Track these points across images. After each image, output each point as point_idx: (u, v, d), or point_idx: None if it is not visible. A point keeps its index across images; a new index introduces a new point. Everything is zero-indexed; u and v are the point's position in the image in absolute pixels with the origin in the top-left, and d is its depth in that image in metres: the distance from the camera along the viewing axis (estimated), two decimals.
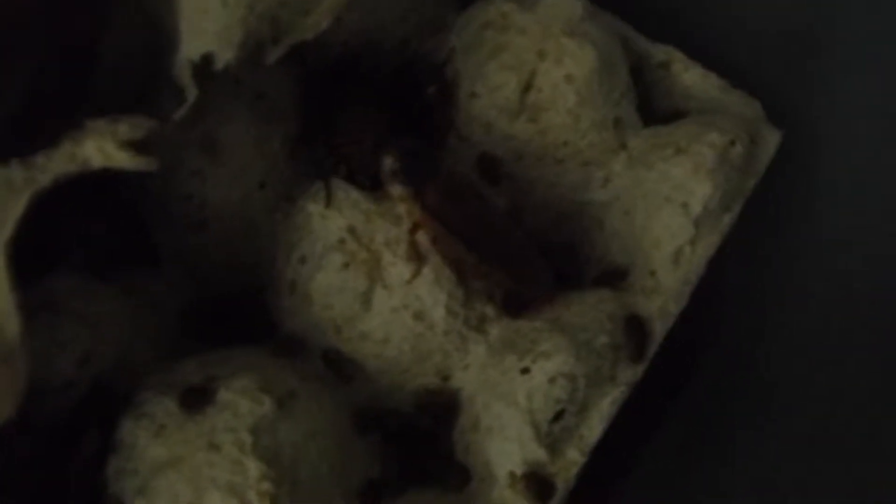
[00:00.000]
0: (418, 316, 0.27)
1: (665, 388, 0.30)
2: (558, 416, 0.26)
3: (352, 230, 0.27)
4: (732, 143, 0.29)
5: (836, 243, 0.31)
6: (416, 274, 0.27)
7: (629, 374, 0.27)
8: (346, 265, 0.27)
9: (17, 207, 0.21)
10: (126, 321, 0.26)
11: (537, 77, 0.29)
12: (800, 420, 0.29)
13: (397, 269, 0.27)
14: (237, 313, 0.29)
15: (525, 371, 0.26)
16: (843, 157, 0.31)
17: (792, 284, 0.32)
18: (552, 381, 0.26)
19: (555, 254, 0.29)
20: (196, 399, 0.25)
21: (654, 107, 0.32)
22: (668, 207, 0.29)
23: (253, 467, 0.24)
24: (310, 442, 0.26)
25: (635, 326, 0.27)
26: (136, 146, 0.22)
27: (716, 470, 0.30)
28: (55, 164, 0.22)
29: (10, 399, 0.19)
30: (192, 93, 0.24)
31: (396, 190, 0.26)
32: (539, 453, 0.26)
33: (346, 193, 0.27)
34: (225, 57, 0.24)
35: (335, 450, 0.26)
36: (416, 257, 0.27)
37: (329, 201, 0.27)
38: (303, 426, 0.26)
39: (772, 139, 0.30)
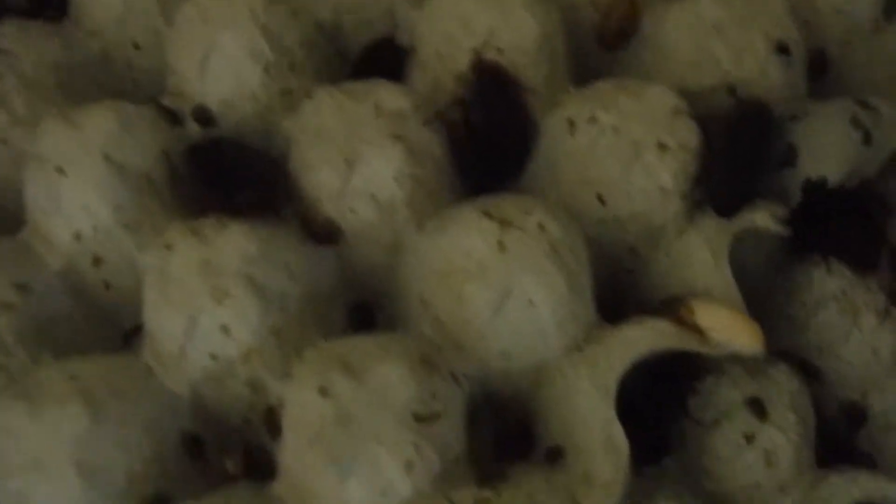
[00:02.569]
0: (875, 352, 0.44)
1: None
2: None
3: (843, 290, 0.44)
4: None
5: None
6: (881, 325, 0.44)
7: None
8: (839, 311, 0.44)
9: (728, 242, 0.39)
10: None
11: None
12: None
13: (868, 319, 0.44)
14: None
15: None
16: None
17: None
18: None
19: None
20: (754, 370, 0.42)
21: None
22: None
23: (791, 417, 0.41)
24: (810, 412, 0.42)
25: None
26: (781, 220, 0.40)
27: None
28: (743, 222, 0.39)
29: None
30: (797, 197, 0.41)
31: (885, 271, 0.44)
32: None
33: (839, 268, 0.45)
34: (833, 180, 0.41)
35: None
36: (884, 314, 0.44)
37: (830, 271, 0.45)
38: (807, 401, 0.42)
39: None
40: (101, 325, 0.38)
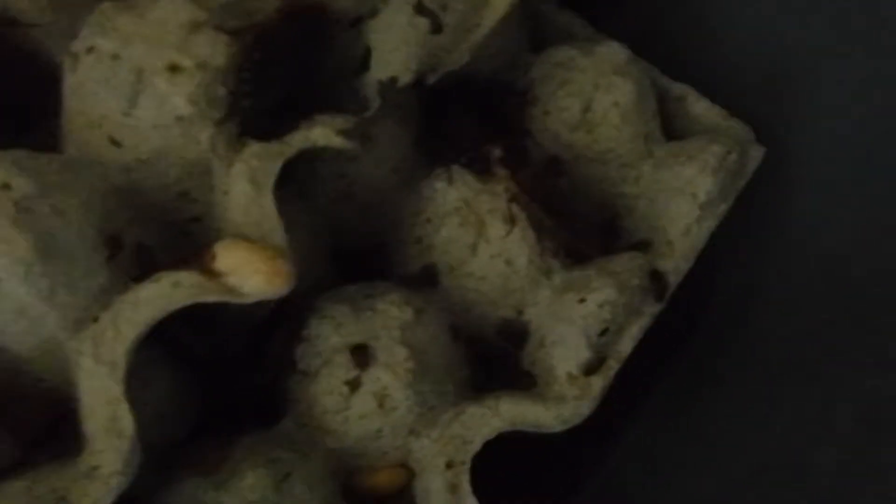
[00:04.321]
0: (508, 262, 0.39)
1: (670, 338, 0.42)
2: (603, 332, 0.38)
3: (465, 201, 0.39)
4: (729, 152, 0.41)
5: (805, 228, 0.43)
6: (510, 232, 0.39)
7: (652, 309, 0.39)
8: (461, 224, 0.39)
9: (276, 168, 0.33)
10: (307, 251, 0.38)
11: (593, 102, 0.42)
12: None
13: (496, 228, 0.39)
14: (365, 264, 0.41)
15: (582, 301, 0.38)
16: (806, 168, 0.44)
17: (770, 260, 0.44)
18: (601, 306, 0.38)
19: (598, 229, 0.42)
20: (362, 308, 0.37)
21: (672, 128, 0.45)
22: (682, 197, 0.41)
23: (401, 351, 0.36)
24: (433, 341, 0.38)
25: (657, 276, 0.40)
26: (346, 133, 0.35)
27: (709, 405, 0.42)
28: (296, 142, 0.34)
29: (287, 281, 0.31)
30: (375, 102, 0.36)
31: (500, 171, 0.39)
32: (589, 358, 0.38)
33: (462, 176, 0.40)
34: (404, 80, 0.36)
35: (447, 350, 0.38)
36: (510, 220, 0.39)
37: (451, 181, 0.40)
38: (429, 330, 0.38)
39: (757, 153, 0.43)
40: None
